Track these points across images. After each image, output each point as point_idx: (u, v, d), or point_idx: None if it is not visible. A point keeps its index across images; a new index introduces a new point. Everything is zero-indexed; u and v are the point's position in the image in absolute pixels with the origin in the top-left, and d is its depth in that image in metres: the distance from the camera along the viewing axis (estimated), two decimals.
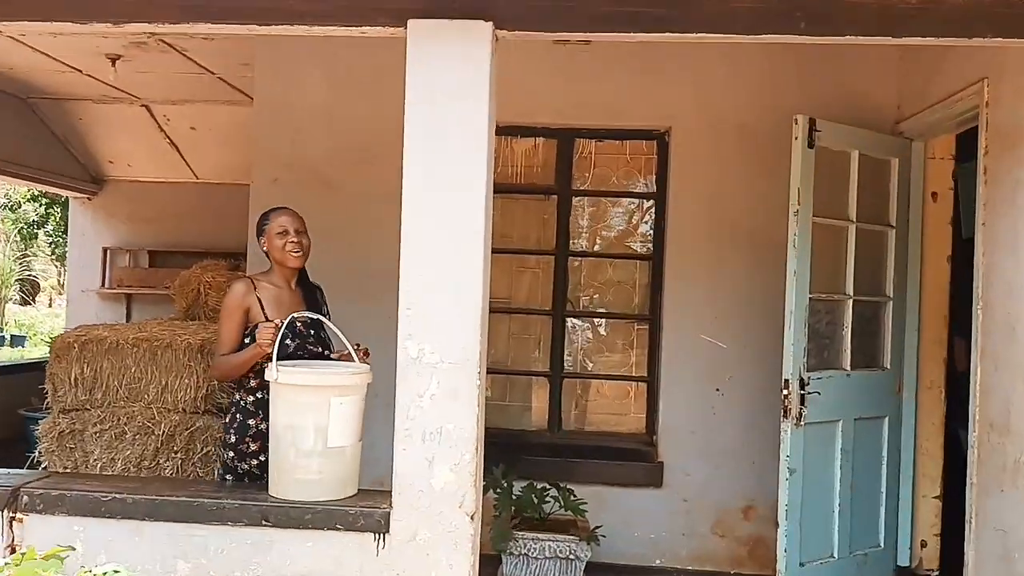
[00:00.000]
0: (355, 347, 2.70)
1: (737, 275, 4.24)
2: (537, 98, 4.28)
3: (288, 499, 2.41)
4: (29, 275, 16.68)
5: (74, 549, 2.22)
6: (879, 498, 3.89)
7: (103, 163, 9.05)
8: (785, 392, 3.42)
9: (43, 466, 4.63)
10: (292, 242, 2.78)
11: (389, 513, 2.35)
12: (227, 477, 2.76)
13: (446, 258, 2.35)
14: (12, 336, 13.49)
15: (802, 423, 3.44)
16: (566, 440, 4.40)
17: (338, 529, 2.35)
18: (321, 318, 2.65)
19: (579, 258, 4.52)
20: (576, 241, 4.51)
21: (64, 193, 9.67)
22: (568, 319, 4.49)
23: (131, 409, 4.48)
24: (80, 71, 6.12)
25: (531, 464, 4.20)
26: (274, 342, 2.49)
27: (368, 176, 4.15)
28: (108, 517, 2.36)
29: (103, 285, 8.80)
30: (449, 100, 2.33)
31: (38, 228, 15.22)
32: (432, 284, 2.35)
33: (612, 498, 4.21)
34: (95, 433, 4.49)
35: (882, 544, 3.90)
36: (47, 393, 4.55)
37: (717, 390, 4.24)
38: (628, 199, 4.51)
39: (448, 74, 2.33)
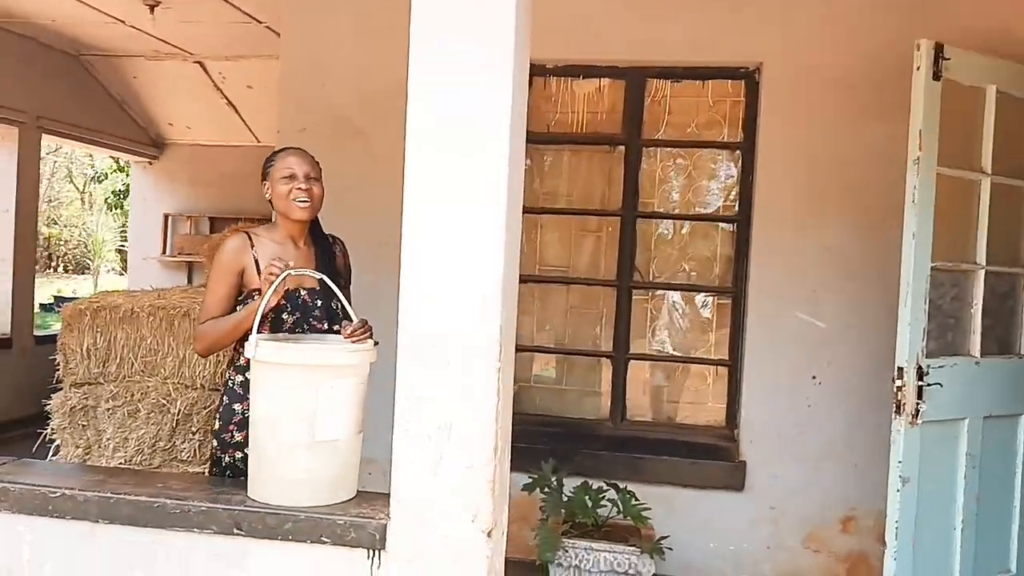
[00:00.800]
0: (358, 325, 2.31)
1: (841, 240, 3.69)
2: (602, 31, 3.82)
3: (267, 503, 2.06)
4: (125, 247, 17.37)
5: None
6: (1011, 513, 3.34)
7: (162, 125, 9.11)
8: (898, 383, 2.89)
9: (56, 444, 4.49)
10: (299, 188, 2.39)
11: (386, 526, 1.98)
12: (213, 470, 2.44)
13: (457, 214, 1.94)
14: None
15: (918, 421, 2.91)
16: (631, 432, 3.97)
17: (324, 543, 2.00)
18: (325, 277, 2.24)
19: (650, 220, 4.04)
20: (647, 200, 4.04)
21: (125, 157, 9.78)
22: (636, 291, 4.03)
23: (146, 384, 4.29)
24: (123, 22, 6.01)
25: (588, 458, 3.82)
26: (281, 269, 2.17)
27: (401, 124, 3.76)
28: (57, 517, 2.07)
29: (164, 252, 8.96)
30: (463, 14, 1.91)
31: (123, 198, 15.67)
32: (440, 246, 1.95)
33: (684, 502, 3.77)
34: (107, 410, 4.31)
35: (1013, 569, 3.35)
36: (59, 365, 4.39)
37: (813, 378, 3.72)
38: (709, 150, 4.00)
39: None
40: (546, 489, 3.43)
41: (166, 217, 9.12)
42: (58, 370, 4.45)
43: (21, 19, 6.19)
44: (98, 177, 18.99)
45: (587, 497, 3.38)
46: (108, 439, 4.36)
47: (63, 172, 20.94)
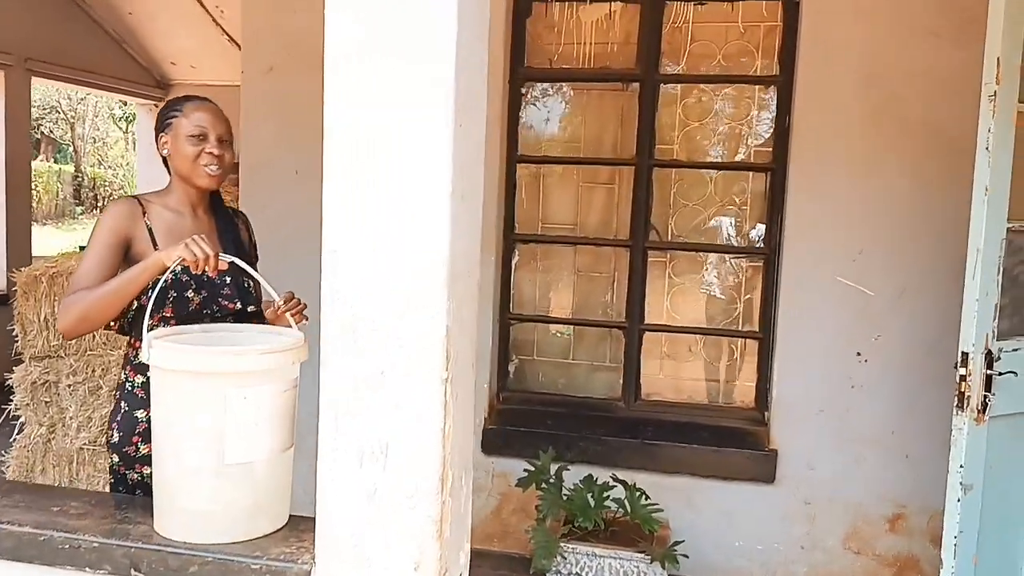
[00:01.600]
0: (288, 298, 2.00)
1: (894, 193, 3.25)
2: None
3: (171, 538, 1.74)
4: None
5: None
6: None
7: (165, 65, 8.86)
8: (962, 372, 2.48)
9: (20, 421, 4.27)
10: (210, 153, 2.06)
11: (309, 572, 1.65)
12: (119, 489, 2.11)
13: (391, 173, 1.55)
14: None
15: (986, 417, 2.51)
16: (645, 413, 3.61)
17: None
18: (236, 260, 1.90)
19: (669, 169, 3.61)
20: (665, 146, 3.60)
21: (128, 99, 9.56)
22: (652, 252, 3.62)
23: (108, 359, 4.01)
24: None
25: (596, 444, 3.48)
26: (209, 256, 1.86)
27: None
28: None
29: None
30: None
31: None
32: (371, 214, 1.57)
33: (706, 494, 3.43)
34: (69, 386, 4.06)
35: None
36: (16, 336, 4.13)
37: (858, 354, 3.31)
38: (739, 86, 3.54)
39: None
40: (543, 485, 3.09)
41: None
42: (16, 341, 4.20)
43: None
44: (127, 117, 18.95)
45: (590, 495, 3.04)
46: (71, 418, 4.12)
47: (106, 112, 20.99)
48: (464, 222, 1.61)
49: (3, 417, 4.36)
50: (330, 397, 1.62)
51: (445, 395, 1.59)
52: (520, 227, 3.71)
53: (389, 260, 1.55)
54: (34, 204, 12.83)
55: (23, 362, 4.16)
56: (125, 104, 17.62)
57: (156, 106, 9.12)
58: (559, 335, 3.79)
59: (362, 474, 1.62)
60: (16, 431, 4.26)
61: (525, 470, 3.16)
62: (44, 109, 20.16)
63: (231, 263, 1.92)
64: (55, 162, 21.08)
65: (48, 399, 4.17)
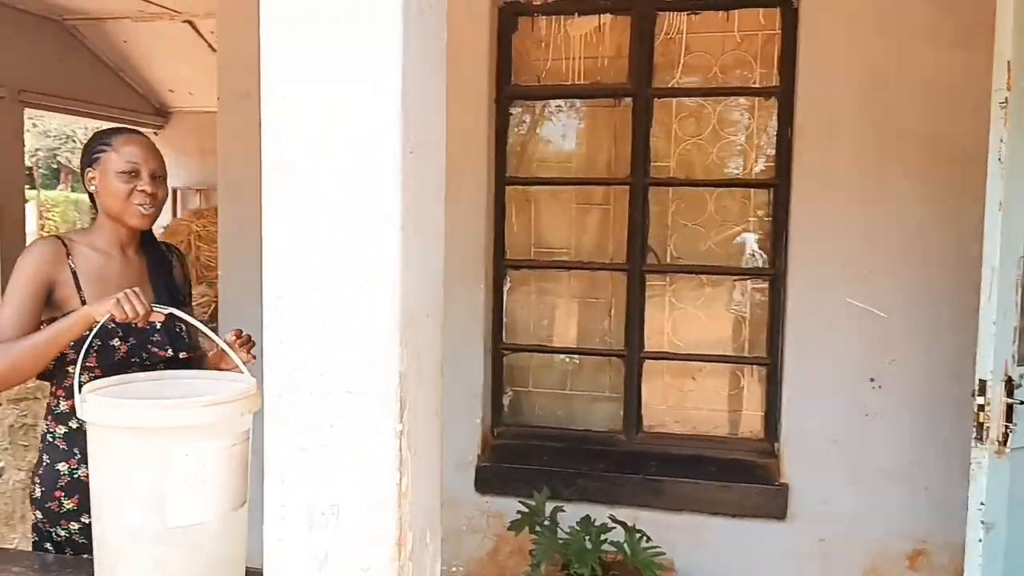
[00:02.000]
0: (236, 337, 1.91)
1: (905, 208, 3.12)
2: None
3: None
4: None
5: None
6: None
7: (163, 92, 8.89)
8: (980, 400, 2.35)
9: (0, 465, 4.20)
10: (142, 192, 1.97)
11: None
12: (46, 546, 2.00)
13: (337, 201, 1.45)
14: None
15: (1007, 449, 2.37)
16: (647, 446, 3.47)
17: None
18: (174, 310, 1.80)
19: (665, 188, 3.49)
20: (661, 163, 3.48)
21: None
22: (650, 276, 3.50)
23: None
24: None
25: (595, 480, 3.36)
26: (141, 315, 1.78)
27: None
28: None
29: None
30: None
31: None
32: (316, 250, 1.47)
33: (713, 532, 3.29)
34: None
35: None
36: None
37: (871, 380, 3.17)
38: (737, 98, 3.42)
39: None
40: (537, 528, 2.96)
41: (174, 191, 8.92)
42: None
43: None
44: None
45: (587, 538, 2.91)
46: None
47: None
48: (418, 257, 1.50)
49: None
50: (274, 451, 1.51)
51: (400, 449, 1.47)
52: (511, 252, 3.59)
53: (332, 303, 1.45)
54: (53, 231, 12.92)
55: None
56: None
57: (156, 134, 9.10)
58: (555, 365, 3.66)
59: (312, 538, 1.51)
60: None
61: (519, 512, 3.04)
62: (60, 139, 20.31)
63: (160, 300, 1.84)
64: (72, 190, 21.19)
65: (27, 443, 4.09)
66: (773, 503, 3.26)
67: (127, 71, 8.35)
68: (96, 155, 1.99)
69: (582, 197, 3.61)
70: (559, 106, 3.59)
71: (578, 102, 3.58)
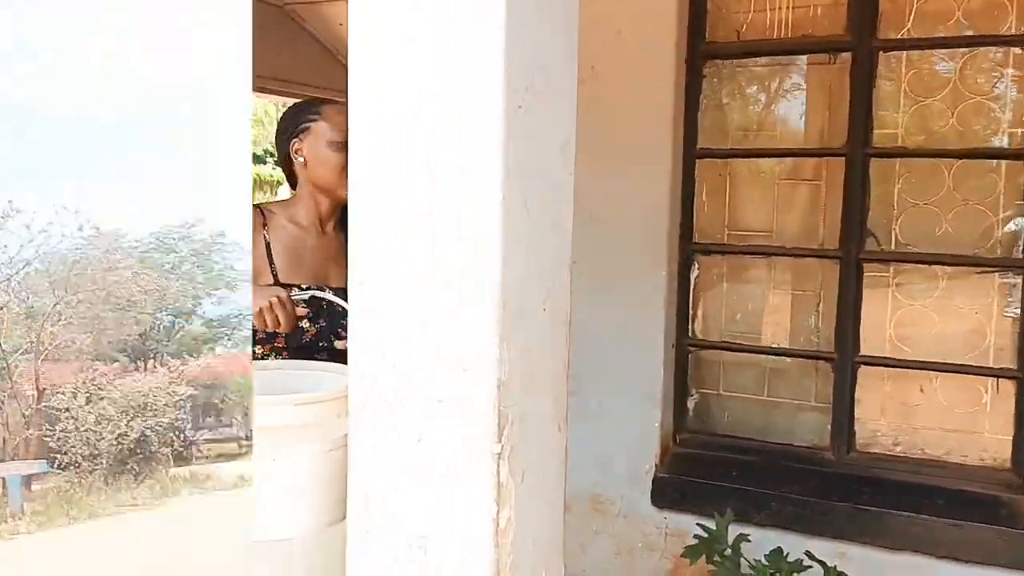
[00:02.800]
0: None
1: None
2: None
3: None
4: None
5: None
6: None
7: None
8: None
9: None
10: None
11: None
12: None
13: (428, 164, 1.25)
14: None
15: None
16: (859, 469, 3.05)
17: None
18: (317, 292, 1.78)
19: (892, 159, 3.02)
20: (885, 131, 3.02)
21: None
22: (870, 265, 3.05)
23: None
24: None
25: (792, 505, 3.00)
26: (283, 326, 1.84)
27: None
28: None
29: None
30: None
31: None
32: (408, 237, 1.28)
33: None
34: None
35: None
36: None
37: None
38: (985, 50, 2.89)
39: None
40: (717, 558, 2.63)
41: None
42: None
43: None
44: None
45: (778, 574, 2.55)
46: None
47: None
48: (530, 237, 1.25)
49: None
50: (362, 465, 1.34)
51: (498, 474, 1.24)
52: (700, 235, 3.26)
53: (418, 291, 1.24)
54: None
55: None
56: None
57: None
58: (750, 366, 3.30)
59: (398, 569, 1.32)
60: None
61: (695, 536, 2.73)
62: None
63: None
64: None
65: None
66: (1018, 550, 2.74)
67: (342, 52, 8.80)
68: (305, 124, 2.01)
69: (787, 171, 3.22)
70: (762, 65, 3.21)
71: (784, 59, 3.18)
